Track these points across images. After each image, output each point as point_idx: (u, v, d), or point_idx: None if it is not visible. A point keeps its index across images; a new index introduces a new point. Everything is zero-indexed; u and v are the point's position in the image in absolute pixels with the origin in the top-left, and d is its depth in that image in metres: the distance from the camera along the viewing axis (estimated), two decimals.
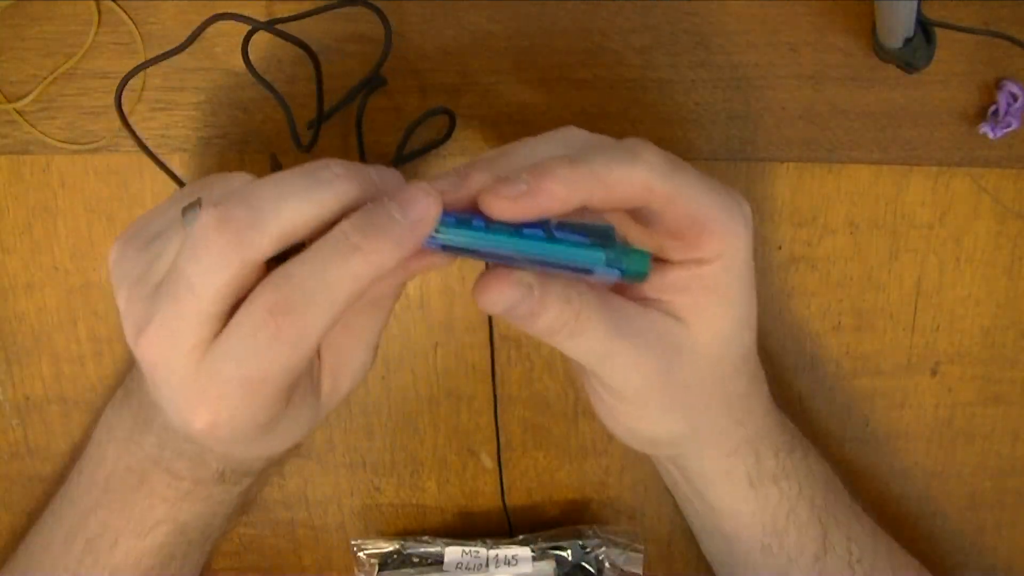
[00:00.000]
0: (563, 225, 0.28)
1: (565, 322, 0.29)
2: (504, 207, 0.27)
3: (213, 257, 0.26)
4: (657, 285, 0.32)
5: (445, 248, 0.28)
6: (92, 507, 0.38)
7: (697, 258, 0.31)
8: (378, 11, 0.37)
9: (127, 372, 0.42)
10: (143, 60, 0.39)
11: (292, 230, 0.27)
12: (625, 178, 0.28)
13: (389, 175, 0.29)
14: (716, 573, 0.44)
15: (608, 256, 0.28)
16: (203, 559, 0.41)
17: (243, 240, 0.26)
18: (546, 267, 0.28)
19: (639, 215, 0.31)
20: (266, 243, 0.26)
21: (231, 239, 0.26)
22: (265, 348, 0.26)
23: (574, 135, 0.32)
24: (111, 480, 0.37)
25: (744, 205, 0.32)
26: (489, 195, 0.27)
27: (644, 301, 0.32)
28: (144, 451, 0.36)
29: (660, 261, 0.32)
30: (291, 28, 0.38)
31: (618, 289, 0.33)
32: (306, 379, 0.31)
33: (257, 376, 0.27)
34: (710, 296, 0.32)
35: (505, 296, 0.28)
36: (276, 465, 0.44)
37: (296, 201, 0.27)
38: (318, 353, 0.32)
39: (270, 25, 0.36)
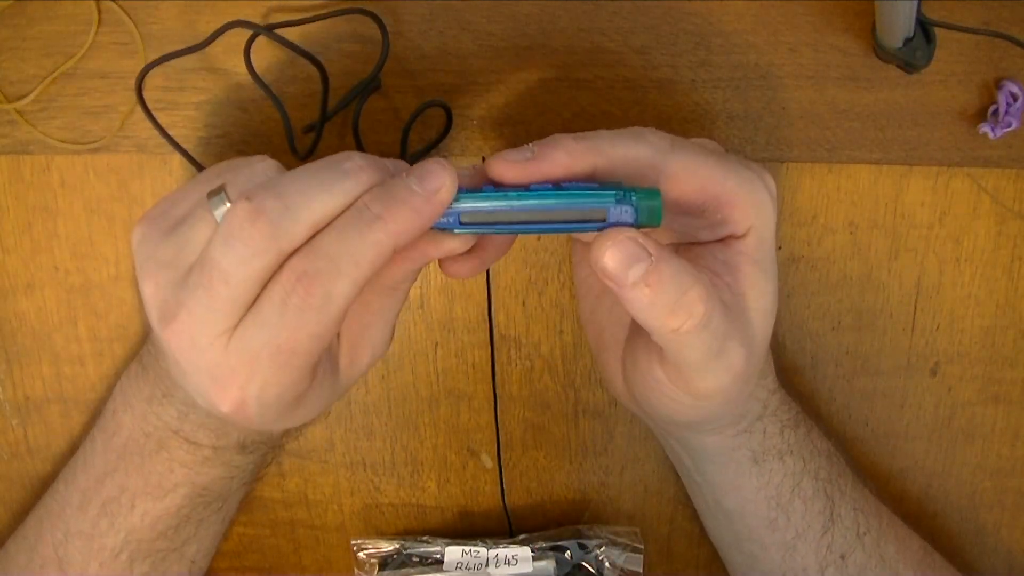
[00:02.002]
0: (571, 183, 0.29)
1: (691, 311, 0.28)
2: (509, 170, 0.28)
3: (249, 248, 0.27)
4: (711, 268, 0.32)
5: (463, 225, 0.29)
6: (108, 471, 0.38)
7: (730, 233, 0.32)
8: (377, 19, 0.37)
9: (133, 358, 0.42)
10: (143, 60, 0.39)
11: (322, 219, 0.28)
12: (628, 154, 0.29)
13: (402, 167, 0.30)
14: (721, 555, 0.45)
15: (618, 195, 0.28)
16: (220, 527, 0.42)
17: (278, 231, 0.27)
18: (562, 225, 0.29)
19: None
20: (299, 233, 0.27)
21: (266, 231, 0.27)
22: (294, 314, 0.27)
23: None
24: (128, 445, 0.38)
25: (767, 178, 0.32)
26: (496, 160, 0.29)
27: None
28: (163, 421, 0.37)
29: (697, 244, 0.33)
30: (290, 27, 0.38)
31: None
32: (326, 357, 0.32)
33: (287, 345, 0.28)
34: (756, 270, 0.32)
35: (619, 249, 0.28)
36: (292, 433, 0.45)
37: (324, 193, 0.28)
38: (337, 332, 0.33)
39: (271, 31, 0.37)
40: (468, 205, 0.29)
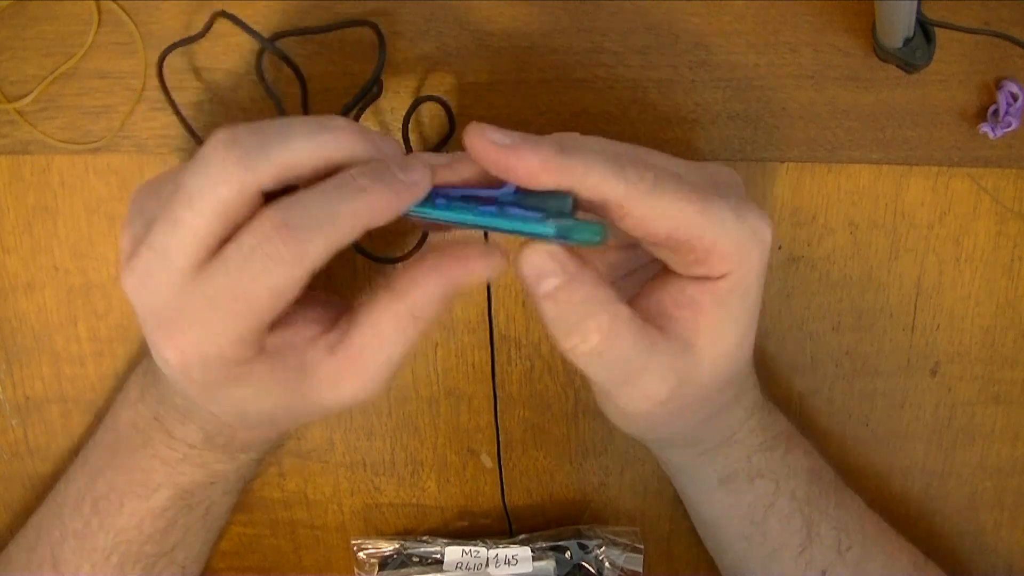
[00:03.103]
0: (525, 194, 0.29)
1: (585, 337, 0.29)
2: (480, 147, 0.29)
3: (217, 172, 0.27)
4: (676, 300, 0.32)
5: (422, 219, 0.30)
6: (101, 468, 0.38)
7: (704, 274, 0.31)
8: (376, 29, 0.37)
9: (127, 372, 0.42)
10: (143, 60, 0.39)
11: (293, 164, 0.28)
12: (598, 188, 0.29)
13: (390, 142, 0.30)
14: (711, 554, 0.45)
15: (558, 228, 0.29)
16: (208, 535, 0.41)
17: (249, 161, 0.27)
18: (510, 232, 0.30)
19: (624, 228, 0.31)
20: (268, 170, 0.27)
21: (238, 158, 0.27)
22: (262, 262, 0.27)
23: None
24: (119, 441, 0.38)
25: (761, 226, 0.31)
26: (476, 129, 0.29)
27: (660, 318, 0.32)
28: (149, 408, 0.37)
29: (675, 275, 0.33)
30: (294, 24, 0.38)
31: (639, 306, 0.32)
32: (289, 352, 0.31)
33: (246, 293, 0.27)
34: (719, 312, 0.32)
35: (536, 258, 0.29)
36: (269, 451, 0.43)
37: (301, 139, 0.28)
38: (324, 350, 0.31)
39: (265, 39, 0.37)
40: (417, 212, 0.30)
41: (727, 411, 0.37)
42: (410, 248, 0.41)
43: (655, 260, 0.35)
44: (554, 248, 0.29)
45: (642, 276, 0.36)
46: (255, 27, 0.38)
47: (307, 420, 0.36)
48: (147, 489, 0.37)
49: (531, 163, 0.28)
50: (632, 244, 0.36)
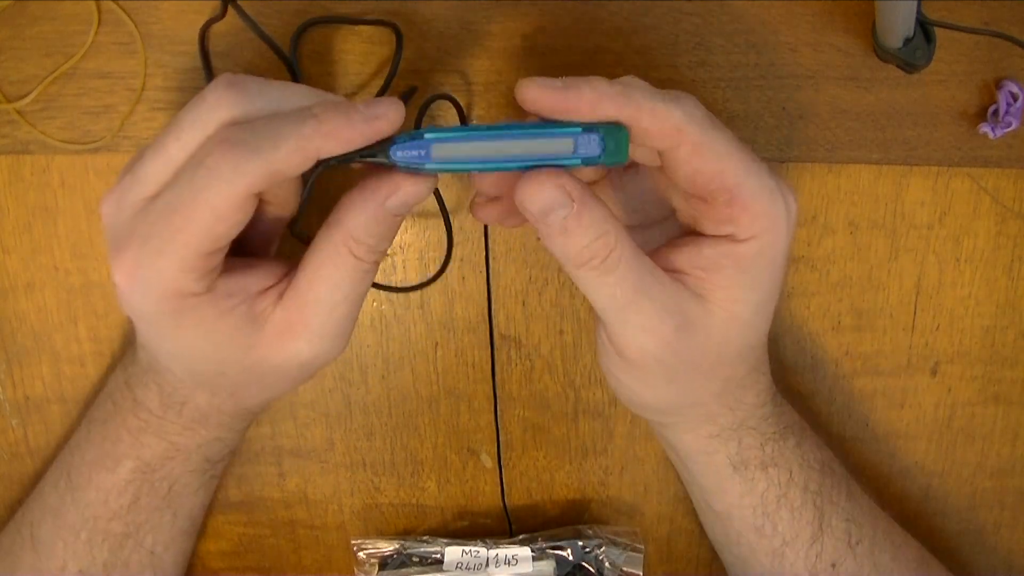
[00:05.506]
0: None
1: (596, 252, 0.30)
2: (537, 94, 0.29)
3: (210, 106, 0.28)
4: (692, 260, 0.32)
5: (435, 161, 0.29)
6: (79, 442, 0.39)
7: (730, 233, 0.31)
8: (396, 30, 0.37)
9: None
10: (143, 60, 0.39)
11: (279, 106, 0.29)
12: (658, 111, 0.29)
13: (386, 103, 0.30)
14: (717, 553, 0.45)
15: (584, 126, 0.29)
16: (174, 521, 0.40)
17: (243, 101, 0.28)
18: (534, 160, 0.29)
19: (670, 164, 0.31)
20: (259, 104, 0.29)
21: (233, 96, 0.28)
22: (203, 176, 0.28)
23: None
24: (95, 411, 0.39)
25: (789, 196, 0.32)
26: (526, 81, 0.29)
27: (674, 273, 0.33)
28: (123, 372, 0.38)
29: (697, 235, 0.33)
30: (303, 19, 0.38)
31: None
32: (240, 298, 0.31)
33: (185, 208, 0.28)
34: (739, 277, 0.32)
35: (545, 193, 0.29)
36: (233, 431, 0.40)
37: (294, 95, 0.29)
38: (274, 299, 0.31)
39: (264, 31, 0.37)
40: (436, 135, 0.29)
41: (740, 390, 0.37)
42: (431, 275, 0.41)
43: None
44: (557, 178, 0.29)
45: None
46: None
47: (262, 386, 0.35)
48: (113, 461, 0.37)
49: (588, 95, 0.29)
50: (638, 215, 0.36)
